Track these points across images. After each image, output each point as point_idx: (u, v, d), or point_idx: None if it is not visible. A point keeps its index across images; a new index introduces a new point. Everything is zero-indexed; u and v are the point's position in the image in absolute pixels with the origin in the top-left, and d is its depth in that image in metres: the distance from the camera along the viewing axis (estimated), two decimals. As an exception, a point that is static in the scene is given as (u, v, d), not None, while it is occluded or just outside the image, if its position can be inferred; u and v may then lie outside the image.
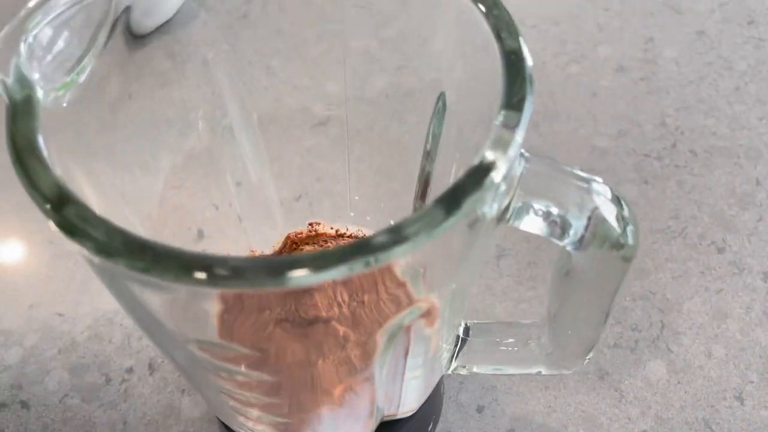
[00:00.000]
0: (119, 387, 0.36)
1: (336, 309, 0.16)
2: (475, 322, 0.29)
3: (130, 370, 0.37)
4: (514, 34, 0.20)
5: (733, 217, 0.42)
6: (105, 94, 0.24)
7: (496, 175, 0.17)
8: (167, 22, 0.40)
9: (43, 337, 0.38)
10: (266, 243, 0.34)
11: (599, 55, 0.51)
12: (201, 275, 0.14)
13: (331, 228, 0.34)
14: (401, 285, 0.17)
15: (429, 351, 0.22)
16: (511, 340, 0.27)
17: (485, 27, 0.20)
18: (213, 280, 0.14)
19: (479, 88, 0.22)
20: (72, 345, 0.38)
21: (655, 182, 0.43)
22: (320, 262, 0.14)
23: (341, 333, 0.17)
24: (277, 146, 0.33)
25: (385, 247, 0.14)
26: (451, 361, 0.28)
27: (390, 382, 0.23)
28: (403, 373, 0.23)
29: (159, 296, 0.16)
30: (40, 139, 0.17)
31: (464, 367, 0.28)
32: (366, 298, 0.16)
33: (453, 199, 0.16)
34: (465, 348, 0.28)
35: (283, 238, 0.34)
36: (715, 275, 0.39)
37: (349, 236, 0.33)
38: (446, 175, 0.27)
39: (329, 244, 0.32)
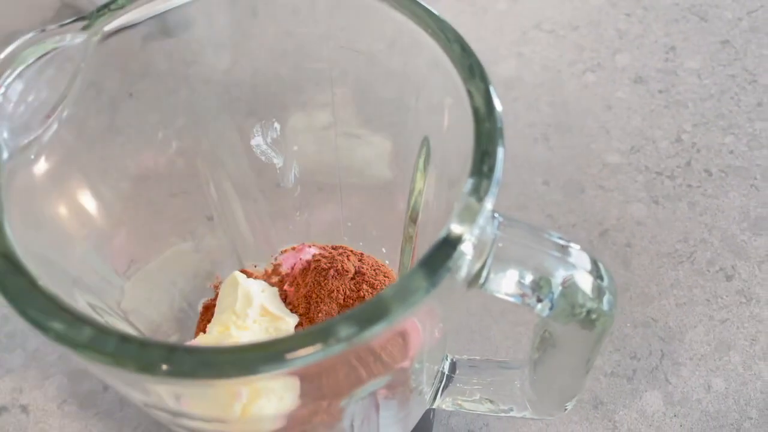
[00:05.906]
0: (116, 395, 0.37)
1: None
2: (465, 357, 0.28)
3: (127, 379, 0.37)
4: (483, 88, 0.19)
5: (745, 243, 0.40)
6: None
7: (466, 247, 0.17)
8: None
9: (45, 341, 0.38)
10: (261, 257, 0.34)
11: (617, 64, 0.49)
12: (163, 368, 0.14)
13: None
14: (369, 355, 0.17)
15: (402, 405, 0.22)
16: (496, 378, 0.27)
17: (457, 78, 0.19)
18: (176, 374, 0.14)
19: (459, 138, 0.21)
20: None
21: (666, 202, 0.42)
22: (294, 346, 0.14)
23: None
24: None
25: (357, 332, 0.14)
26: (436, 397, 0.27)
27: (365, 428, 0.23)
28: (378, 422, 0.22)
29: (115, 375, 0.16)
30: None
31: (450, 403, 0.28)
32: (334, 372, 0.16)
33: (425, 272, 0.16)
34: (450, 386, 0.27)
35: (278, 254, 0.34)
36: (722, 304, 0.38)
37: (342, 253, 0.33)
38: (434, 209, 0.27)
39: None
